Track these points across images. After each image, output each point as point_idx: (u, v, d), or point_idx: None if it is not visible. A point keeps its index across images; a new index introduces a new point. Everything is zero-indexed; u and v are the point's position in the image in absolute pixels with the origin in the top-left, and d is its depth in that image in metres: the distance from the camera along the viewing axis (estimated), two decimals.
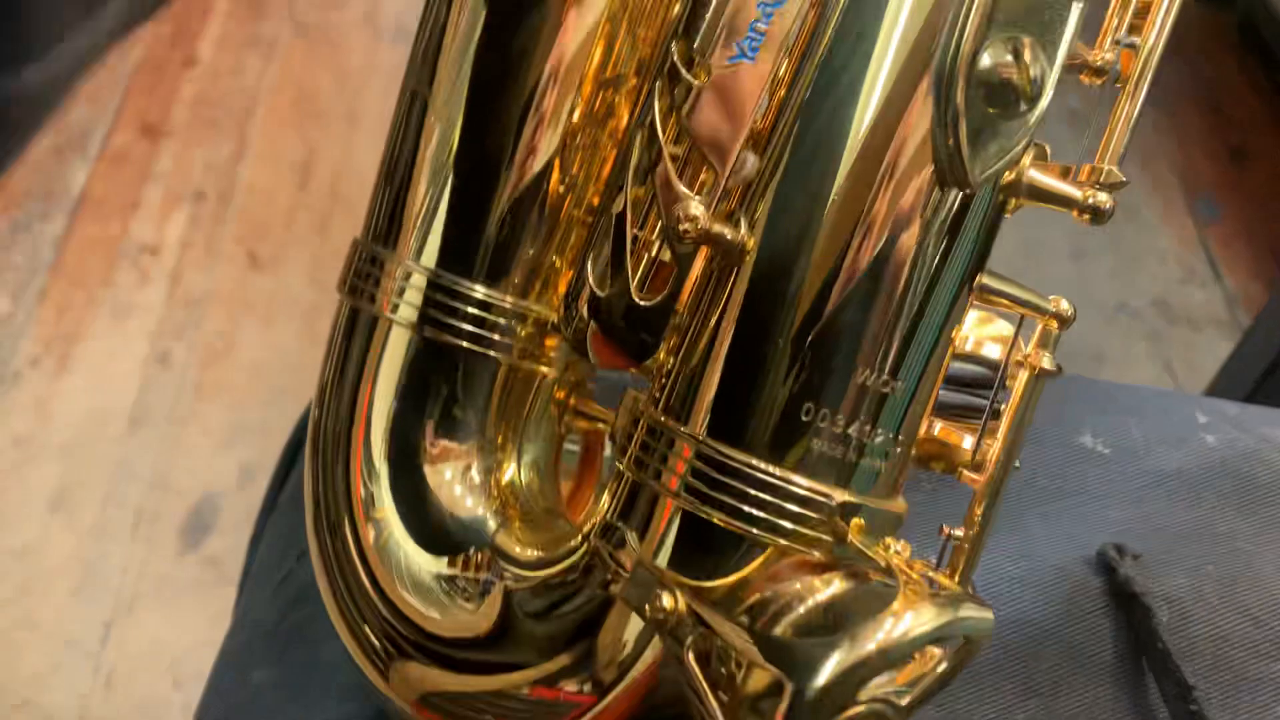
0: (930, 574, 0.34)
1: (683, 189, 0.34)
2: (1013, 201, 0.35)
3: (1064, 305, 0.38)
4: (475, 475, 0.40)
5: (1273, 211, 1.86)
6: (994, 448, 0.37)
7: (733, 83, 0.34)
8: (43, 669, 1.13)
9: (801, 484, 0.33)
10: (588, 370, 0.43)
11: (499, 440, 0.41)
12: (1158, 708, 0.47)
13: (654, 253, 0.36)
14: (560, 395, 0.42)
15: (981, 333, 0.39)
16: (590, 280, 0.37)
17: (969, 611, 0.31)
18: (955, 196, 0.33)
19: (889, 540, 0.34)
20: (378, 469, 0.40)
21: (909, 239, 0.33)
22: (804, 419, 0.33)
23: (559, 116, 0.39)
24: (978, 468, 0.37)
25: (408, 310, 0.39)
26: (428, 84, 0.39)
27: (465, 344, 0.39)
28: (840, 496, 0.33)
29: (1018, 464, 0.38)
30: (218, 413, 1.35)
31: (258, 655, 0.52)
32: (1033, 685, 0.48)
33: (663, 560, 0.34)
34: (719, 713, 0.31)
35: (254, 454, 1.31)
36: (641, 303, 0.35)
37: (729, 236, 0.33)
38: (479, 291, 0.39)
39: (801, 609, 0.32)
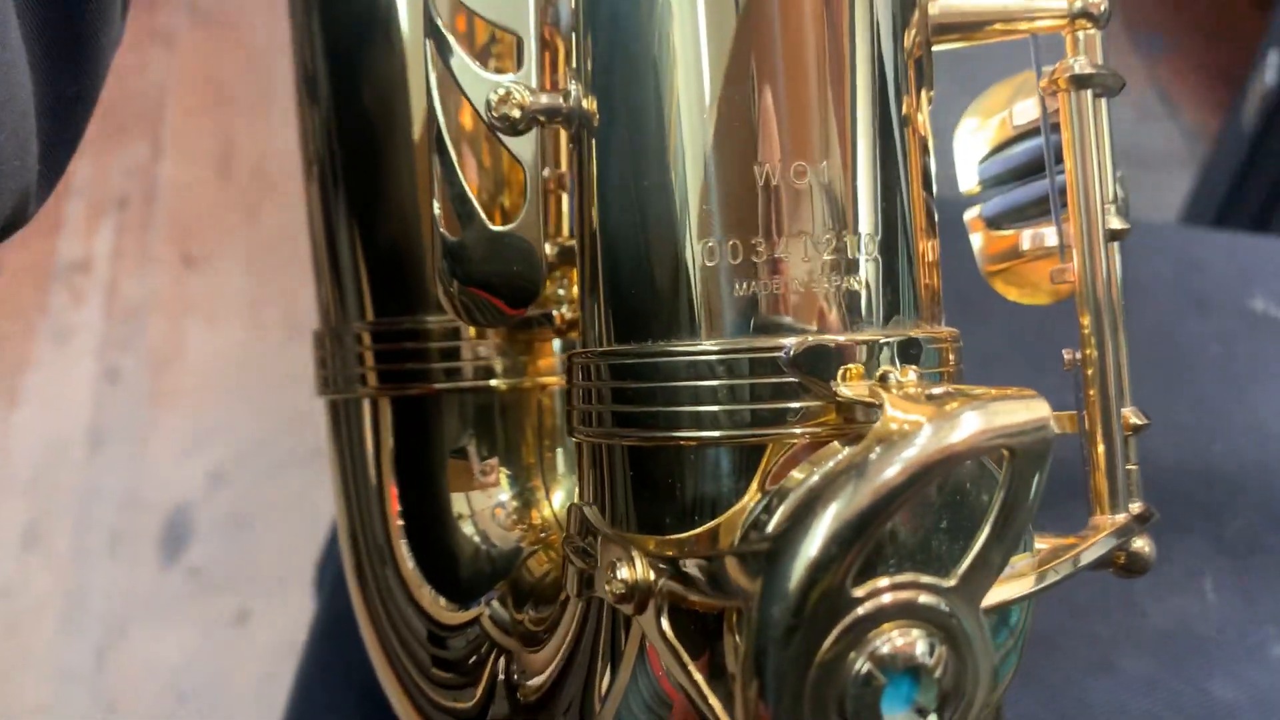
0: (946, 388, 0.23)
1: (487, 74, 0.27)
2: None
3: None
4: (505, 513, 0.36)
5: (1220, 36, 1.63)
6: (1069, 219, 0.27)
7: None
8: (43, 704, 1.14)
9: (729, 347, 0.24)
10: None
11: (529, 470, 0.37)
12: None
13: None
14: None
15: (1017, 105, 0.30)
16: (441, 228, 0.29)
17: (998, 411, 0.20)
18: None
19: (887, 369, 0.23)
20: (405, 545, 0.36)
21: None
22: (710, 264, 0.24)
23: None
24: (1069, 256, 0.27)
25: (370, 376, 0.36)
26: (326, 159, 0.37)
27: (438, 386, 0.35)
28: (795, 340, 0.23)
29: (1116, 223, 0.27)
30: (177, 420, 1.32)
31: None
32: (1223, 543, 0.43)
33: (628, 526, 0.26)
34: (705, 689, 0.22)
35: (220, 456, 1.27)
36: (498, 229, 0.28)
37: (563, 105, 0.26)
38: (429, 322, 0.35)
39: (781, 511, 0.21)
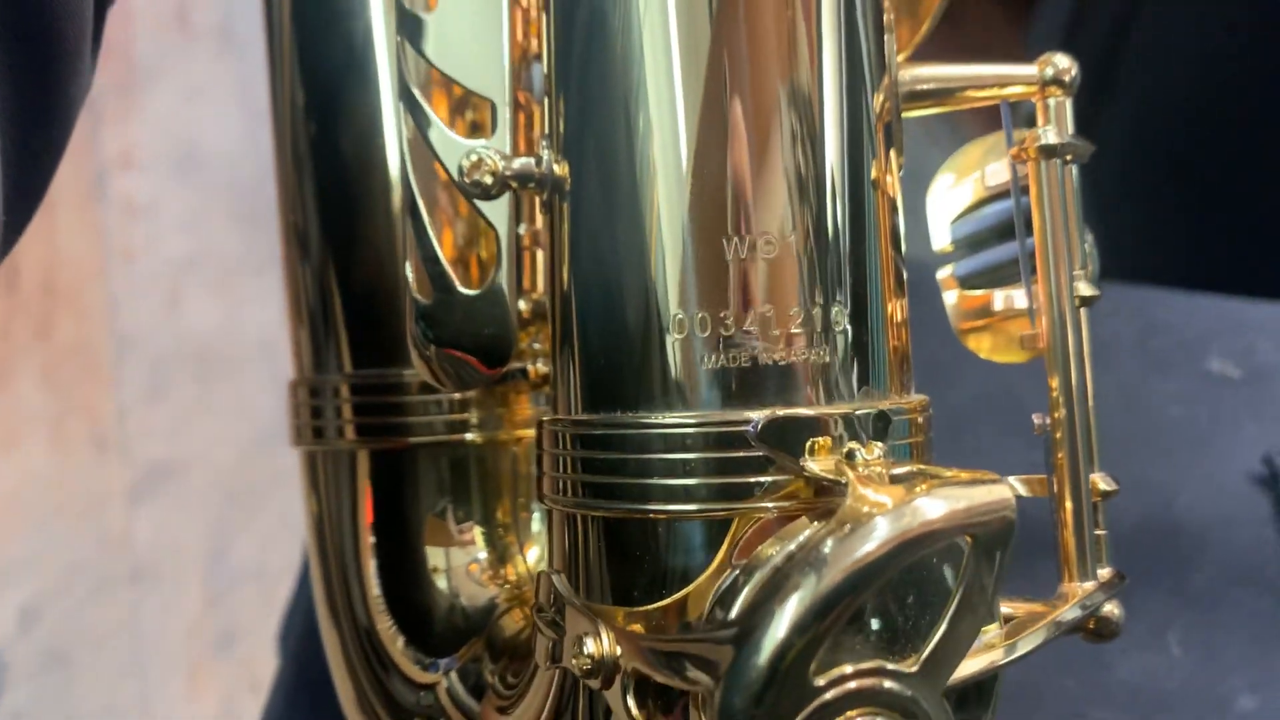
0: (911, 468, 0.23)
1: (459, 139, 0.27)
2: None
3: (1059, 60, 0.27)
4: (480, 568, 0.36)
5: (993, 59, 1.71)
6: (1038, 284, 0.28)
7: None
8: None
9: (697, 420, 0.24)
10: None
11: (505, 525, 0.36)
12: None
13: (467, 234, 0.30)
14: None
15: (989, 165, 0.30)
16: (414, 292, 0.29)
17: (960, 496, 0.20)
18: None
19: (853, 445, 0.23)
20: (380, 597, 0.36)
21: (751, 67, 0.24)
22: (678, 336, 0.24)
23: None
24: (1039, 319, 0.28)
25: (346, 428, 0.36)
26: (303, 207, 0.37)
27: (413, 439, 0.35)
28: (763, 414, 0.23)
29: (1085, 289, 0.27)
30: None
31: None
32: (1187, 597, 0.43)
33: (597, 595, 0.26)
34: None
35: (31, 591, 1.15)
36: (470, 293, 0.28)
37: (535, 171, 0.26)
38: (406, 375, 0.35)
39: (743, 598, 0.22)
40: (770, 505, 0.23)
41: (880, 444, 0.23)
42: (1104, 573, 0.27)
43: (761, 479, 0.23)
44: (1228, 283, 0.54)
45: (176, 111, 1.24)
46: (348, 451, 0.36)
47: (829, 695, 0.19)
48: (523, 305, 0.32)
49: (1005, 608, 0.26)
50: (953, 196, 0.32)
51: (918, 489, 0.20)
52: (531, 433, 0.36)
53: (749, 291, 0.24)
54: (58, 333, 1.27)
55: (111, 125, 1.26)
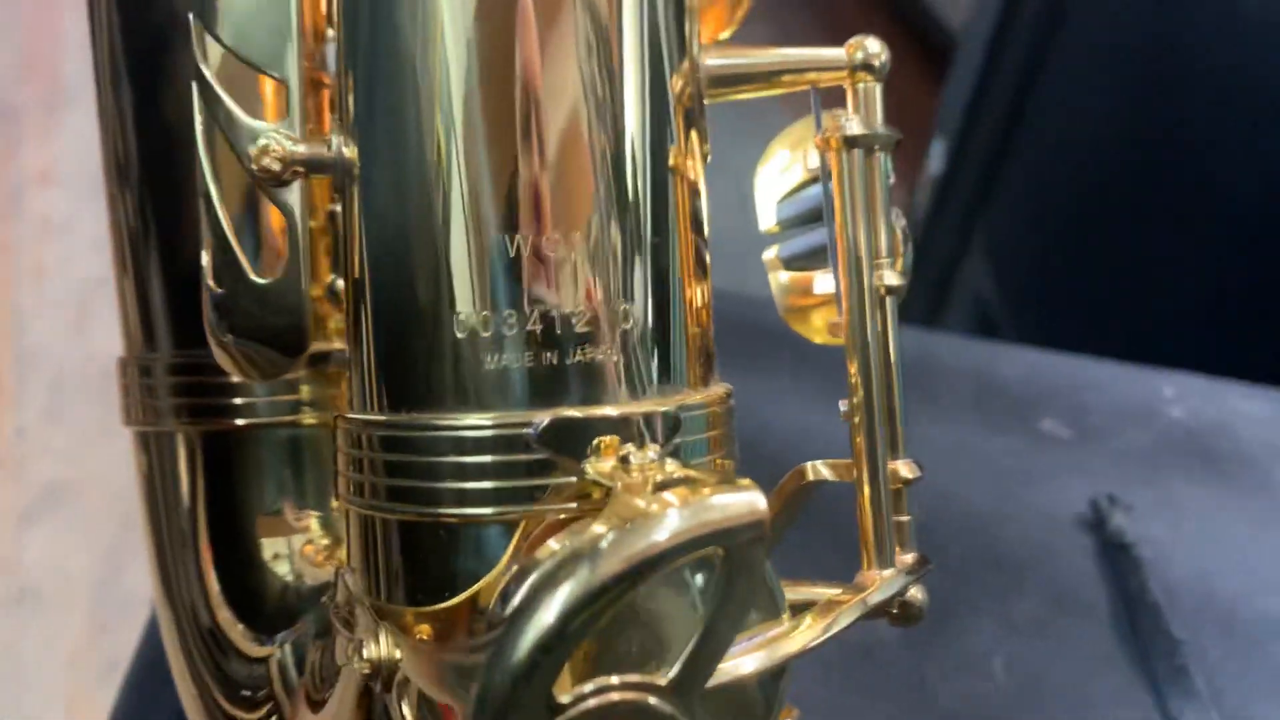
0: (679, 474, 0.22)
1: (251, 122, 0.25)
2: None
3: (870, 45, 0.27)
4: (315, 549, 0.35)
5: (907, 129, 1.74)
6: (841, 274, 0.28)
7: None
8: None
9: (482, 423, 0.23)
10: None
11: (337, 506, 0.35)
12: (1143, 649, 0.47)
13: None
14: None
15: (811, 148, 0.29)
16: (207, 280, 0.27)
17: (709, 509, 0.20)
18: None
19: (628, 449, 0.23)
20: (214, 578, 0.35)
21: (543, 52, 0.23)
22: (461, 336, 0.23)
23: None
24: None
25: (174, 409, 0.35)
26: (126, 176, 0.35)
27: (242, 421, 0.34)
28: (546, 416, 0.23)
29: (892, 279, 0.27)
30: None
31: None
32: (1012, 624, 0.46)
33: (391, 596, 0.25)
34: None
35: None
36: (261, 282, 0.27)
37: (325, 156, 0.25)
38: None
39: (515, 600, 0.21)
40: (558, 508, 0.23)
41: (658, 446, 0.23)
42: (907, 558, 0.27)
43: (548, 481, 0.23)
44: (1073, 340, 0.58)
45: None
46: (179, 433, 0.35)
47: (585, 706, 0.19)
48: (342, 284, 0.31)
49: (807, 593, 0.26)
50: (781, 177, 0.32)
51: (679, 498, 0.19)
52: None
53: (532, 290, 0.23)
54: None
55: (33, 142, 1.22)
